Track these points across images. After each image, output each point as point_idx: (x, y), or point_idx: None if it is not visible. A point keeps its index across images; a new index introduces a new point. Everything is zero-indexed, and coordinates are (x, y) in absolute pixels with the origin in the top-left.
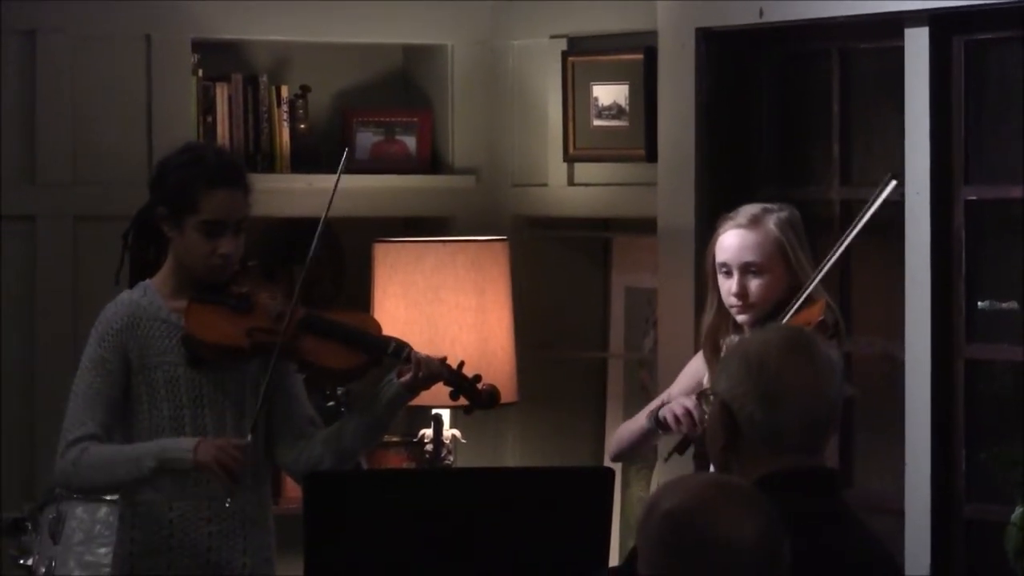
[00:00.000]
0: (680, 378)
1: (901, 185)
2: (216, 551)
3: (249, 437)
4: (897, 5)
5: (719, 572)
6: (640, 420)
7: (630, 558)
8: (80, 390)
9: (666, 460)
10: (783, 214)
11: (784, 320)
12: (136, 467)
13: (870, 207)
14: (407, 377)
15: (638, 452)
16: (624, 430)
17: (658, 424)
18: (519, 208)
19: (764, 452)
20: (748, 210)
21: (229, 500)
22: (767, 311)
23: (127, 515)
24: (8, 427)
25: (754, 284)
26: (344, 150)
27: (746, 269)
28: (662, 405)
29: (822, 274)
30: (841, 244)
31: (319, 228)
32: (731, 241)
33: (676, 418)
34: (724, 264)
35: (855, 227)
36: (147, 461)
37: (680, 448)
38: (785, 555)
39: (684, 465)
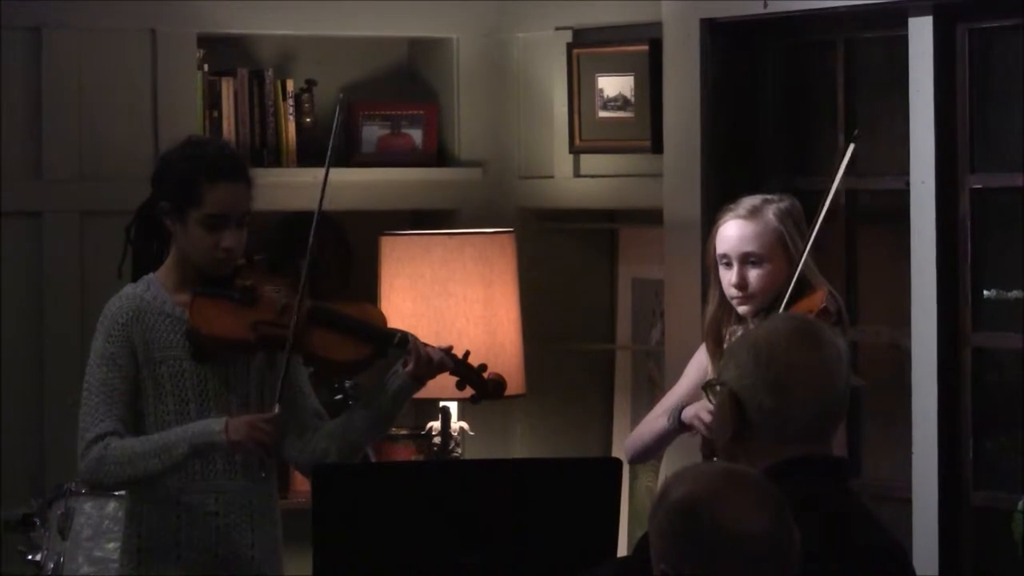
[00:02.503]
0: (687, 373)
1: (905, 174)
2: (224, 545)
3: (276, 408)
4: None
5: (728, 562)
6: (660, 421)
7: (639, 548)
8: (93, 387)
9: None
10: (783, 204)
11: (784, 307)
12: (168, 456)
13: (838, 172)
14: (411, 367)
15: (657, 453)
16: (643, 432)
17: (681, 426)
18: (525, 200)
19: (773, 441)
20: (748, 201)
21: (264, 473)
22: (768, 302)
23: (135, 510)
24: (16, 423)
25: (754, 275)
26: (331, 137)
27: (746, 260)
28: (679, 406)
29: (808, 247)
30: (819, 216)
31: (314, 222)
32: (731, 232)
33: (704, 423)
34: (724, 255)
35: (829, 194)
36: (180, 448)
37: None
38: (795, 546)
39: (693, 454)
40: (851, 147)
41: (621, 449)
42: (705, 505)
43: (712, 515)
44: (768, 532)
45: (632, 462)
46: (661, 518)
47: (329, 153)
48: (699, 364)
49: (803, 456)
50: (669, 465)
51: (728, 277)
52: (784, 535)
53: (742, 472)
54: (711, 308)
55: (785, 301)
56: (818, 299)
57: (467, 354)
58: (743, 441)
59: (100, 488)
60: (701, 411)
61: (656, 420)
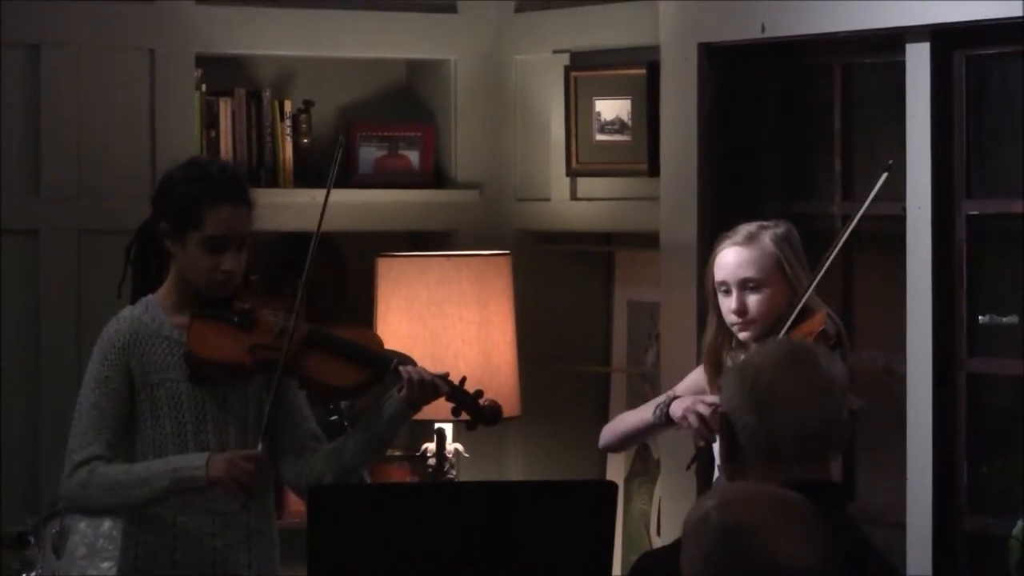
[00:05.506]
0: (682, 384)
1: (902, 199)
2: (221, 565)
3: (260, 446)
4: (899, 20)
5: None
6: (645, 413)
7: (635, 571)
8: (84, 410)
9: (688, 469)
10: (779, 230)
11: (784, 332)
12: (148, 488)
13: (867, 201)
14: (405, 392)
15: (632, 444)
16: (626, 420)
17: (667, 420)
18: (522, 222)
19: (764, 463)
20: (744, 228)
21: (245, 507)
22: (768, 327)
23: (132, 529)
24: (11, 441)
25: (752, 300)
26: (337, 152)
27: (744, 285)
28: (668, 401)
29: (820, 275)
30: (838, 241)
31: (312, 244)
32: (728, 259)
33: (689, 422)
34: (723, 282)
35: (852, 223)
36: (159, 482)
37: (699, 458)
38: None
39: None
40: (884, 176)
41: (616, 472)
42: (755, 534)
43: (761, 545)
44: (813, 568)
45: (603, 448)
46: (705, 537)
47: (330, 183)
48: (693, 381)
49: (792, 478)
50: (663, 488)
51: (727, 304)
52: (829, 570)
53: (794, 501)
54: (709, 336)
55: (787, 326)
56: (817, 322)
57: (463, 380)
58: (736, 463)
59: (82, 513)
60: (690, 407)
61: (642, 410)
